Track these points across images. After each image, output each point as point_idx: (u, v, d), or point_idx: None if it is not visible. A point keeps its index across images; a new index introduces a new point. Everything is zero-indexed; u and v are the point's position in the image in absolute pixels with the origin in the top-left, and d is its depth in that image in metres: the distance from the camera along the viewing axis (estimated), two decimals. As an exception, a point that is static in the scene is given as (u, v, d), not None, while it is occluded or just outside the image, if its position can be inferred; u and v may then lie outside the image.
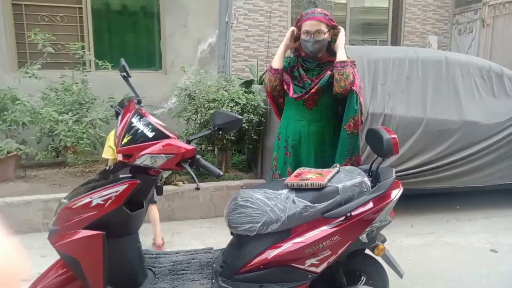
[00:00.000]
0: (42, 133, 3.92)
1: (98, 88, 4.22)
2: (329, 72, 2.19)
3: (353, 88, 2.14)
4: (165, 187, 3.54)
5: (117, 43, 5.54)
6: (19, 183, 3.89)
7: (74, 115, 3.74)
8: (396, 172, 1.88)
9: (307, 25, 2.17)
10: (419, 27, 8.32)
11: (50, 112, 3.55)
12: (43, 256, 2.72)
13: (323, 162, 2.27)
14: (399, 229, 3.28)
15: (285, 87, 2.31)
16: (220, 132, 2.01)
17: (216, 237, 3.21)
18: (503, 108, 3.74)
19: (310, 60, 2.29)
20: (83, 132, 3.61)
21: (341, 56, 2.15)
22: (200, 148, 4.30)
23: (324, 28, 2.17)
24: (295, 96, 2.23)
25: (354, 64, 2.24)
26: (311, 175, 1.79)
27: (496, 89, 3.83)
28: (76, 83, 4.13)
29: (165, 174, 3.53)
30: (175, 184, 3.65)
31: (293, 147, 2.32)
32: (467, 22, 7.98)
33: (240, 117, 1.77)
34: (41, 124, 3.66)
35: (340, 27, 2.26)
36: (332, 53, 2.24)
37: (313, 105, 2.28)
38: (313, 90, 2.20)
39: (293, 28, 2.28)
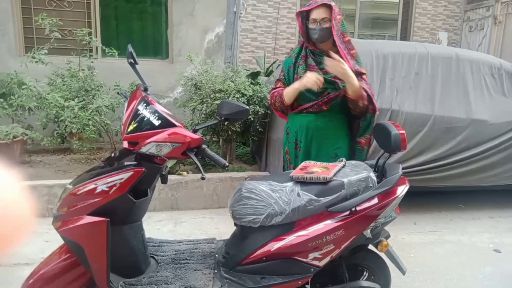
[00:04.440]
0: (48, 119, 3.93)
1: (104, 75, 4.21)
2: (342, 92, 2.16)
3: (370, 112, 2.20)
4: (169, 177, 3.53)
5: (124, 31, 5.52)
6: (24, 168, 3.91)
7: (80, 101, 3.74)
8: (402, 168, 1.86)
9: (314, 13, 2.17)
10: (429, 23, 8.21)
11: (56, 98, 3.55)
12: (47, 241, 2.75)
13: (333, 155, 2.25)
14: (402, 226, 3.27)
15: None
16: (226, 123, 2.00)
17: (218, 227, 3.22)
18: (513, 107, 3.69)
19: (319, 53, 2.24)
20: (89, 119, 3.61)
21: (351, 91, 2.07)
22: (205, 139, 4.28)
23: (330, 15, 2.15)
24: (304, 106, 2.24)
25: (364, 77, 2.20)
26: (316, 169, 1.78)
27: (506, 88, 3.78)
28: (82, 69, 4.12)
29: (170, 163, 3.53)
30: (179, 174, 3.65)
31: (301, 141, 2.29)
32: (479, 19, 7.86)
33: (247, 107, 1.75)
34: (47, 109, 3.67)
35: (333, 56, 2.06)
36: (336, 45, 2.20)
37: None
38: (324, 108, 2.21)
39: (315, 77, 2.08)
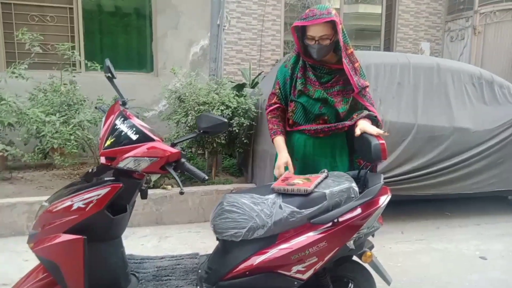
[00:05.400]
0: (29, 134, 3.85)
1: (87, 90, 4.16)
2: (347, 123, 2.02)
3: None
4: (153, 191, 3.50)
5: (108, 44, 5.50)
6: (4, 185, 3.82)
7: (62, 116, 3.67)
8: (387, 178, 1.86)
9: (311, 30, 1.93)
10: (411, 34, 8.37)
11: (36, 113, 3.48)
12: (26, 260, 2.66)
13: None
14: (389, 235, 3.26)
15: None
16: (207, 136, 1.97)
17: (204, 242, 3.17)
18: (493, 115, 3.75)
19: (319, 67, 2.06)
20: (71, 134, 3.54)
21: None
22: (190, 152, 4.25)
23: (329, 31, 1.93)
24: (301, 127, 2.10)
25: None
26: (298, 180, 1.77)
27: (486, 96, 3.85)
28: (64, 84, 4.07)
29: (154, 177, 3.48)
30: (164, 188, 3.60)
31: (297, 160, 2.09)
32: (459, 30, 8.05)
33: (225, 120, 1.74)
34: (27, 125, 3.60)
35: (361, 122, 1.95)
36: (339, 56, 2.02)
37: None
38: (320, 135, 2.06)
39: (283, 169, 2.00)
